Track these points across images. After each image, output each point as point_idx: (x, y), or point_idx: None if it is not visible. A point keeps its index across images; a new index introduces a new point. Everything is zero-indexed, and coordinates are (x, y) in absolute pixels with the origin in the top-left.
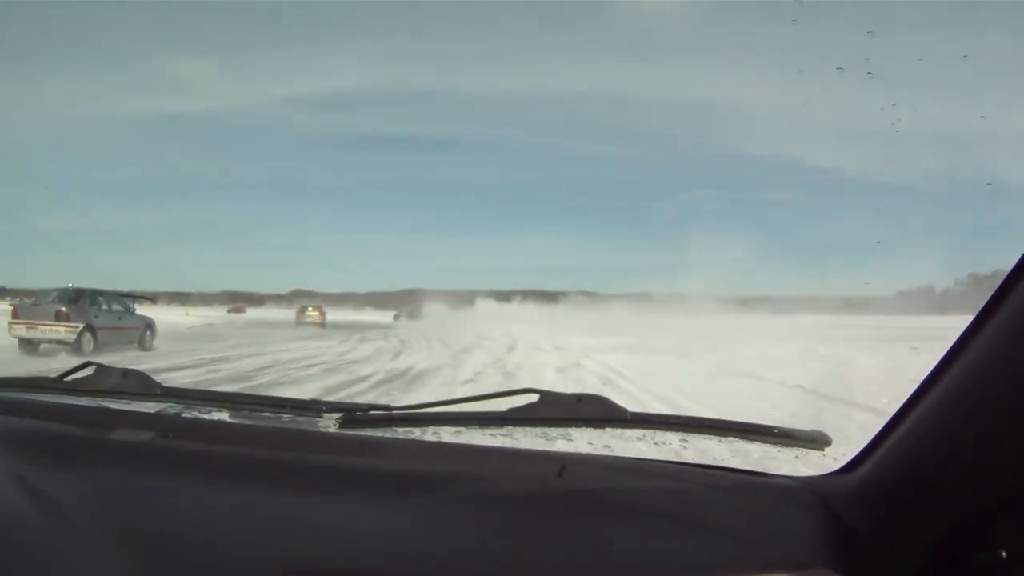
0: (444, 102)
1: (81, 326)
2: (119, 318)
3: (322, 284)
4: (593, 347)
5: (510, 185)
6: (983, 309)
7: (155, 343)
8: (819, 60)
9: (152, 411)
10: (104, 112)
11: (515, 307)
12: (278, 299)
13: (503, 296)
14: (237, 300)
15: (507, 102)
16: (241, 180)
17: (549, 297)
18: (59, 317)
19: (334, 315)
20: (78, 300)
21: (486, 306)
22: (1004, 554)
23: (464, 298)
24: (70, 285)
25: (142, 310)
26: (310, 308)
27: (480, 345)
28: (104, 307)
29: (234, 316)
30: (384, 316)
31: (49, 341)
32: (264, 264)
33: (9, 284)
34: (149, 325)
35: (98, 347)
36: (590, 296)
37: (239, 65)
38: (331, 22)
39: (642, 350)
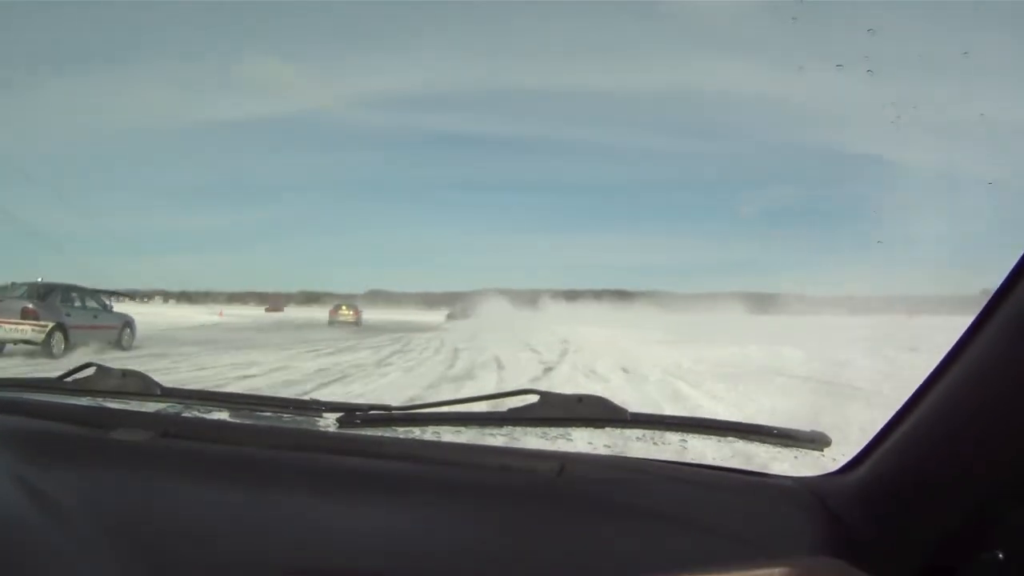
0: (519, 100)
1: (51, 325)
2: (95, 316)
3: (397, 284)
4: (696, 370)
5: (587, 183)
6: (984, 308)
7: (135, 342)
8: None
9: (152, 411)
10: (183, 115)
11: (584, 307)
12: (346, 299)
13: (573, 295)
14: (311, 301)
15: (583, 100)
16: (316, 181)
17: (624, 296)
18: (26, 315)
19: (390, 315)
20: (47, 296)
21: (554, 306)
22: (1004, 554)
23: (529, 298)
24: (39, 280)
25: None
26: (344, 307)
27: (513, 360)
28: (77, 304)
29: (268, 315)
30: (437, 315)
31: (13, 341)
32: (340, 264)
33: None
34: (128, 323)
35: (70, 348)
36: (669, 297)
37: (316, 66)
38: (405, 21)
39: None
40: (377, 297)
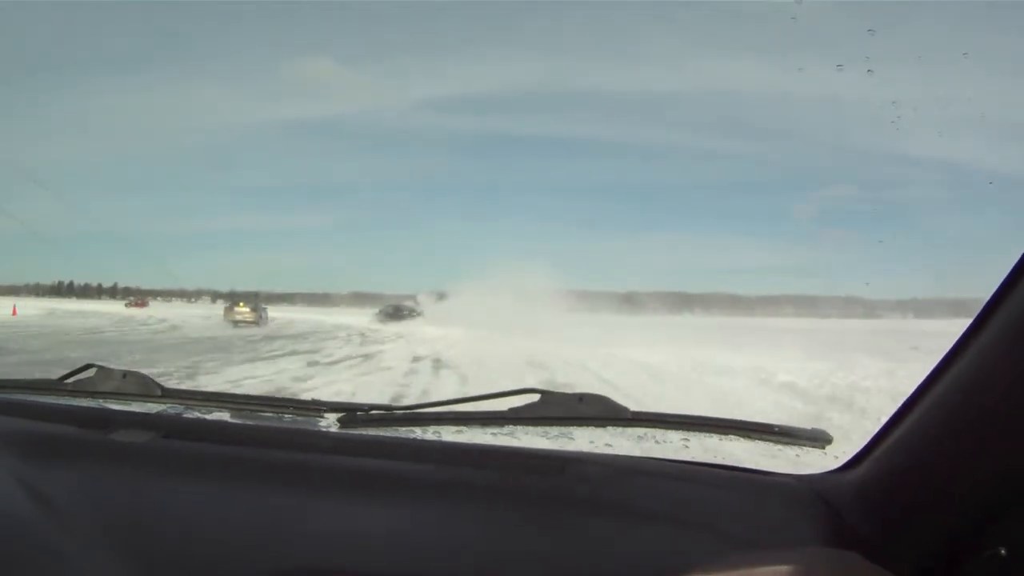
0: (579, 102)
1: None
2: (263, 309)
3: (453, 285)
4: None
5: (645, 184)
6: (984, 308)
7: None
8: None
9: (153, 412)
10: (245, 118)
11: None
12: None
13: (629, 299)
14: (362, 301)
15: (641, 102)
16: (376, 182)
17: (684, 300)
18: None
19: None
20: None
21: (602, 317)
22: (1004, 552)
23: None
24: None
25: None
26: (240, 304)
27: None
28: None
29: (129, 311)
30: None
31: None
32: (397, 266)
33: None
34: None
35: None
36: (732, 300)
37: (374, 68)
38: (465, 23)
39: None
40: (432, 297)
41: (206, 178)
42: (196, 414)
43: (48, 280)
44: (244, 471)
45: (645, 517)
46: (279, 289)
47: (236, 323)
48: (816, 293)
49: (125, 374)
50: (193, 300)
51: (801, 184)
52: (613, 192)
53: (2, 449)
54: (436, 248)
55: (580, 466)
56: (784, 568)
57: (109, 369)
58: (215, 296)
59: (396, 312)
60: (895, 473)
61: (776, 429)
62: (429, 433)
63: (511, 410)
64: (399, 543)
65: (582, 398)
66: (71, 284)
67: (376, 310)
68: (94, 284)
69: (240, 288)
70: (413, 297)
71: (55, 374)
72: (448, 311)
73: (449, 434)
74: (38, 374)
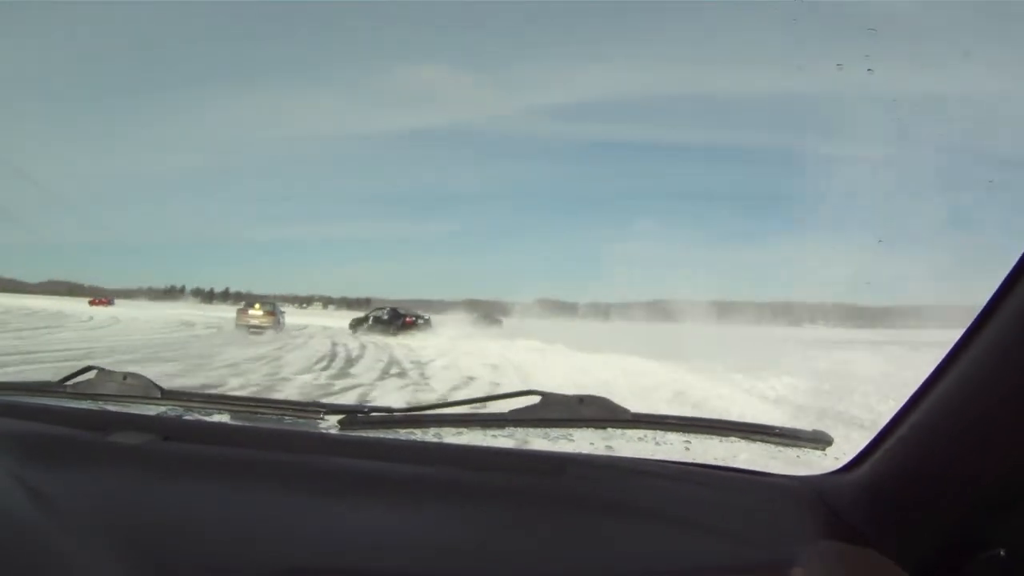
0: (693, 107)
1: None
2: (280, 313)
3: (570, 294)
4: None
5: (765, 190)
6: (984, 308)
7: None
8: None
9: (153, 414)
10: (362, 127)
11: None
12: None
13: (787, 309)
14: (480, 308)
15: (762, 105)
16: (495, 190)
17: (863, 314)
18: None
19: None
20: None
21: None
22: (1005, 553)
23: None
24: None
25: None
26: (256, 306)
27: None
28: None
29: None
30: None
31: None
32: (514, 273)
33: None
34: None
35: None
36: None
37: (492, 76)
38: (580, 29)
39: None
40: (547, 307)
41: (325, 186)
42: (196, 416)
43: (162, 284)
44: (244, 473)
45: (645, 518)
46: (393, 295)
47: (250, 328)
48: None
49: (125, 376)
50: (304, 306)
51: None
52: (740, 197)
53: (2, 451)
54: (553, 254)
55: (580, 467)
56: (784, 569)
57: (109, 371)
58: (326, 302)
59: (391, 319)
60: (896, 474)
61: (776, 431)
62: (430, 435)
63: (512, 412)
64: (399, 545)
65: (582, 400)
66: (182, 288)
67: (361, 315)
68: (206, 288)
69: (351, 295)
70: (529, 303)
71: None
72: (570, 328)
73: (450, 436)
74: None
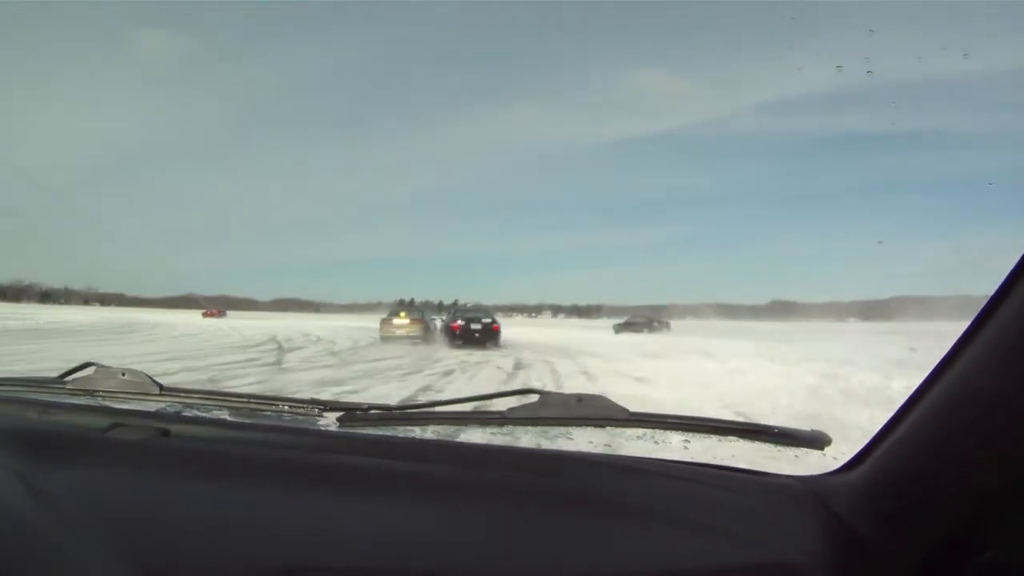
0: (918, 93)
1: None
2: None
3: (802, 294)
4: None
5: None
6: (984, 308)
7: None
8: None
9: (152, 410)
10: (578, 136)
11: None
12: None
13: None
14: (723, 313)
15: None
16: (717, 192)
17: None
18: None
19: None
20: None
21: None
22: (1004, 554)
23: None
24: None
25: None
26: (402, 314)
27: None
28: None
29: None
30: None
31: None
32: (746, 276)
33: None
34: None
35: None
36: None
37: (709, 76)
38: (803, 21)
39: None
40: (777, 309)
41: (553, 195)
42: (195, 412)
43: (389, 298)
44: (243, 469)
45: (644, 517)
46: (624, 302)
47: (395, 338)
48: None
49: (124, 372)
50: (534, 315)
51: None
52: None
53: (1, 446)
54: (784, 253)
55: (579, 466)
56: (783, 569)
57: (108, 367)
58: (556, 310)
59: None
60: (894, 474)
61: (775, 430)
62: (428, 432)
63: (510, 410)
64: (398, 542)
65: (581, 398)
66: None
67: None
68: (436, 301)
69: (581, 302)
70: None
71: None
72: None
73: (448, 434)
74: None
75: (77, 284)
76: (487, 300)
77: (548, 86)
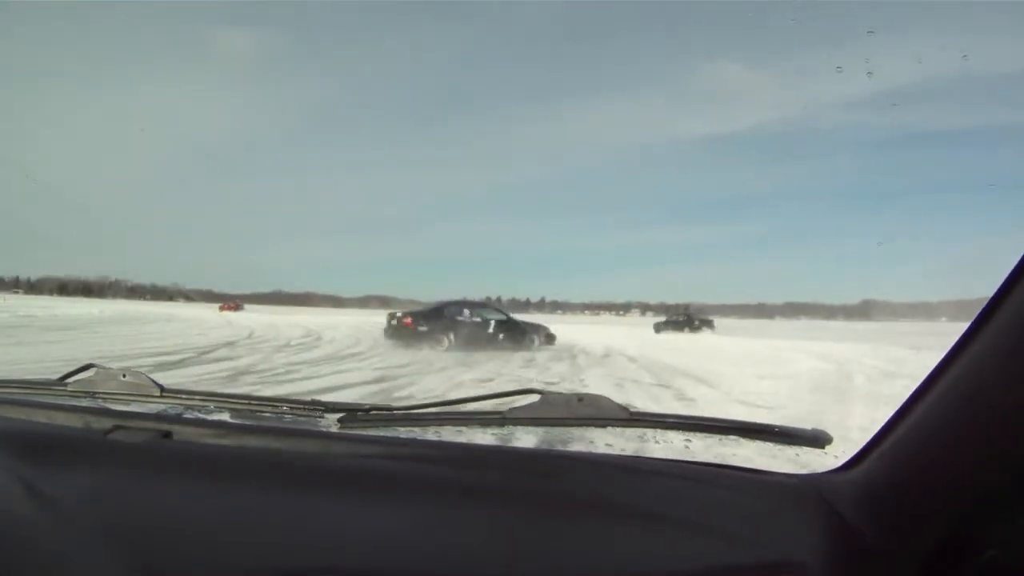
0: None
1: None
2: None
3: (897, 293)
4: None
5: None
6: (985, 307)
7: None
8: None
9: (153, 412)
10: (670, 133)
11: None
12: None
13: None
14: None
15: None
16: (800, 190)
17: None
18: None
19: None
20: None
21: None
22: (1004, 554)
23: None
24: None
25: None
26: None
27: None
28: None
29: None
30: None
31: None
32: (829, 274)
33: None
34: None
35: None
36: None
37: (791, 70)
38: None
39: None
40: (864, 309)
41: (634, 193)
42: (196, 414)
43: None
44: (244, 470)
45: (645, 517)
46: (711, 300)
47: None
48: None
49: (125, 373)
50: (622, 313)
51: None
52: None
53: (2, 449)
54: (874, 256)
55: (579, 466)
56: (784, 568)
57: (109, 369)
58: (644, 308)
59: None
60: (895, 473)
61: (776, 429)
62: (429, 433)
63: (511, 411)
64: (399, 543)
65: (581, 398)
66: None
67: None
68: (522, 299)
69: (669, 300)
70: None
71: None
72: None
73: (449, 434)
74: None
75: (164, 281)
76: (574, 298)
77: (625, 83)
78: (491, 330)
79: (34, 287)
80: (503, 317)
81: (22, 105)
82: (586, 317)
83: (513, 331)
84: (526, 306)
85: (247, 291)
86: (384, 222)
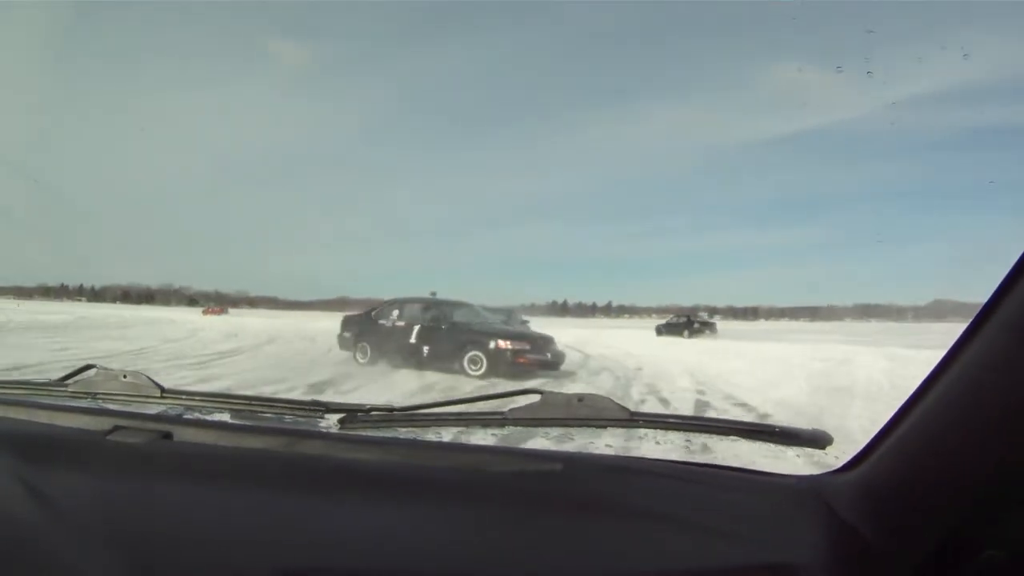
0: None
1: None
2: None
3: (971, 295)
4: None
5: None
6: (984, 306)
7: None
8: None
9: (153, 412)
10: (736, 135)
11: None
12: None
13: None
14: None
15: None
16: (854, 191)
17: None
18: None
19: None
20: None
21: None
22: (1005, 553)
23: None
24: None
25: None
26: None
27: None
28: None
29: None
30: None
31: None
32: (898, 277)
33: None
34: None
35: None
36: None
37: (855, 69)
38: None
39: None
40: (937, 309)
41: (700, 195)
42: (196, 414)
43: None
44: (244, 471)
45: (645, 518)
46: (780, 303)
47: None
48: None
49: (125, 374)
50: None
51: None
52: None
53: (3, 449)
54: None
55: (580, 466)
56: (784, 569)
57: (109, 370)
58: (712, 311)
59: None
60: (895, 474)
61: (776, 430)
62: (429, 434)
63: (511, 411)
64: (400, 543)
65: (582, 399)
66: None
67: None
68: (589, 303)
69: (738, 305)
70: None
71: None
72: None
73: (449, 435)
74: None
75: (228, 288)
76: (640, 302)
77: (688, 86)
78: (413, 340)
79: (98, 295)
80: (466, 321)
81: (100, 117)
82: (651, 321)
83: (448, 341)
84: (592, 310)
85: (311, 297)
86: (436, 228)
